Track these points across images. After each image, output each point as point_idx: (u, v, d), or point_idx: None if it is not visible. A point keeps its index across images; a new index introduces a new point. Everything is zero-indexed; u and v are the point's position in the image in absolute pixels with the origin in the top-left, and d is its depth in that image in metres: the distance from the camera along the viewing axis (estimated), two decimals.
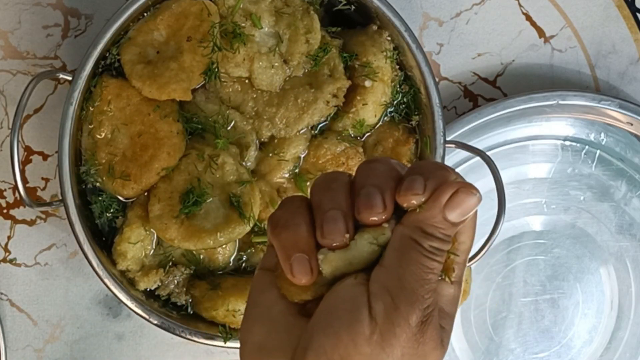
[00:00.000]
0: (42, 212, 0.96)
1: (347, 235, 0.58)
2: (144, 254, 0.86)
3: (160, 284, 0.86)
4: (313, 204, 0.60)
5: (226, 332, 0.85)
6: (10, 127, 0.94)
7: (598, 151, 1.01)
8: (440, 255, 0.58)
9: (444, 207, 0.57)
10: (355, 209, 0.58)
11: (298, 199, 0.61)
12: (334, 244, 0.58)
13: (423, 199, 0.58)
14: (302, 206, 0.60)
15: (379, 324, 0.55)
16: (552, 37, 1.00)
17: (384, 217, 0.58)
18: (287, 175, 0.87)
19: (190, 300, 0.87)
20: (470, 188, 0.58)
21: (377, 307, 0.56)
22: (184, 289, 0.87)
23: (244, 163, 0.86)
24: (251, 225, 0.83)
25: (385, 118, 0.90)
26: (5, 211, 0.96)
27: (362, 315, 0.56)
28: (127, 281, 0.86)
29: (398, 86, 0.89)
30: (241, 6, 0.84)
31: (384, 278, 0.57)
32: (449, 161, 0.98)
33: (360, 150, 0.88)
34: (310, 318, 0.58)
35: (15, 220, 0.96)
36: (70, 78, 0.83)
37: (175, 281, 0.86)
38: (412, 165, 0.60)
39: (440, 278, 0.61)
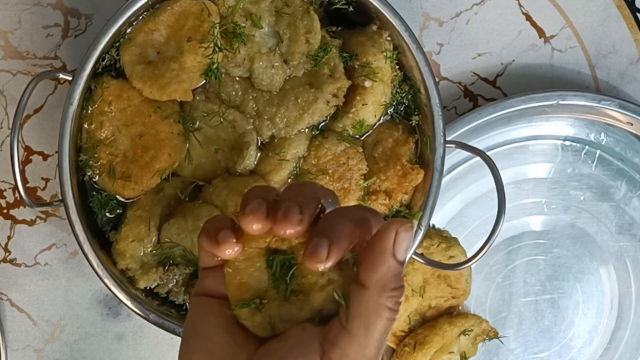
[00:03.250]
0: (42, 212, 0.96)
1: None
2: (143, 253, 0.86)
3: (159, 282, 0.86)
4: (240, 207, 0.60)
5: None
6: (10, 127, 0.94)
7: (598, 151, 1.01)
8: (398, 310, 0.59)
9: (394, 254, 0.58)
10: (274, 220, 0.59)
11: (224, 217, 0.62)
12: (255, 227, 0.58)
13: (298, 228, 0.58)
14: (230, 223, 0.61)
15: None
16: (552, 37, 1.00)
17: (298, 229, 0.58)
18: (287, 176, 0.87)
19: (189, 300, 0.87)
20: (402, 222, 0.59)
21: None
22: (183, 289, 0.87)
23: (241, 169, 0.86)
24: None
25: (385, 117, 0.90)
26: (5, 211, 0.96)
27: None
28: (127, 280, 0.86)
29: (398, 86, 0.89)
30: (241, 6, 0.84)
31: (346, 345, 0.57)
32: (449, 161, 0.98)
33: (360, 150, 0.88)
34: (253, 350, 0.59)
35: (15, 220, 0.96)
36: (70, 78, 0.83)
37: (175, 280, 0.87)
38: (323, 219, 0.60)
39: None
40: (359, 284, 0.58)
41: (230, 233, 0.59)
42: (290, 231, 0.58)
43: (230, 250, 0.59)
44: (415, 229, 0.59)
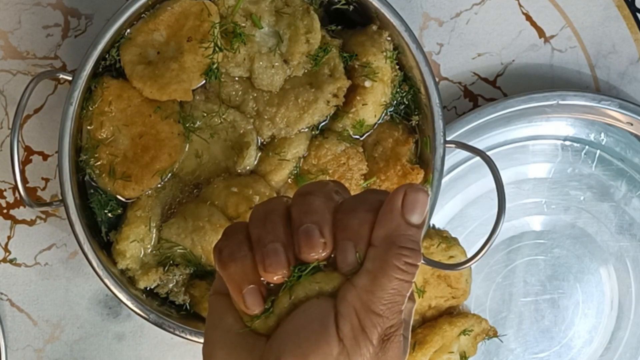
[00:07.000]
0: (42, 212, 0.96)
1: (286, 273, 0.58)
2: (143, 253, 0.86)
3: (159, 283, 0.86)
4: (252, 237, 0.59)
5: None
6: (10, 127, 0.94)
7: (598, 151, 1.01)
8: (413, 274, 0.58)
9: (403, 213, 0.58)
10: (295, 247, 0.58)
11: (242, 227, 0.61)
12: (276, 278, 0.58)
13: (323, 253, 0.58)
14: (247, 235, 0.60)
15: (346, 346, 0.56)
16: (552, 37, 1.00)
17: (324, 255, 0.58)
18: (287, 175, 0.87)
19: (189, 300, 0.87)
20: (414, 185, 0.59)
21: (345, 328, 0.56)
22: (183, 289, 0.87)
23: (241, 168, 0.86)
24: None
25: (385, 117, 0.90)
26: (5, 211, 0.96)
27: (329, 336, 0.56)
28: (127, 280, 0.86)
29: (398, 86, 0.89)
30: (241, 6, 0.84)
31: (353, 299, 0.57)
32: (449, 161, 0.98)
33: (361, 150, 0.88)
34: (269, 337, 0.58)
35: (15, 220, 0.96)
36: (70, 78, 0.83)
37: (175, 280, 0.87)
38: (342, 205, 0.59)
39: None
40: (370, 244, 0.58)
41: (259, 295, 0.59)
42: (316, 256, 0.58)
43: (257, 311, 0.59)
44: (429, 195, 0.60)
